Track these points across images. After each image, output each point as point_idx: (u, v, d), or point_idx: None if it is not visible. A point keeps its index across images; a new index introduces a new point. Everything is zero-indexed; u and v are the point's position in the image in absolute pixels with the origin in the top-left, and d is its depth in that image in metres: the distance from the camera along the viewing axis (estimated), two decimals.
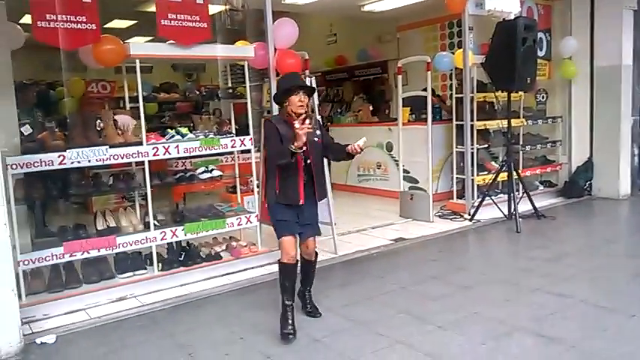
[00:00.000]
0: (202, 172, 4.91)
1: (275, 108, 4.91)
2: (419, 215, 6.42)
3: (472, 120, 6.42)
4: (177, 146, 4.39)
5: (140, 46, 4.50)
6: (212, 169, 4.96)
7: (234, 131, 4.94)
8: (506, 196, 6.27)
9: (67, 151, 3.90)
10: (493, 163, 7.03)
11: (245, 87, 4.93)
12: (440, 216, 6.52)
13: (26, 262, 3.84)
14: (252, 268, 4.66)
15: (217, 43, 4.83)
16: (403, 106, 6.88)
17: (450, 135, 6.89)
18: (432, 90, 6.58)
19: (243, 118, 5.02)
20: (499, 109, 6.65)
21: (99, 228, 4.34)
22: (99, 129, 4.35)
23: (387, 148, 7.85)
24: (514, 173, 6.11)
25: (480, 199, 6.32)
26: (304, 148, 3.18)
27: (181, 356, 3.18)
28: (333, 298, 3.96)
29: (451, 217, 6.47)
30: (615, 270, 4.51)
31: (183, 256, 4.54)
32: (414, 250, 5.34)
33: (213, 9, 5.70)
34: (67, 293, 3.99)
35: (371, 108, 8.70)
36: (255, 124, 4.85)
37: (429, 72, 6.31)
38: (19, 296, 3.58)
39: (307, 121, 3.25)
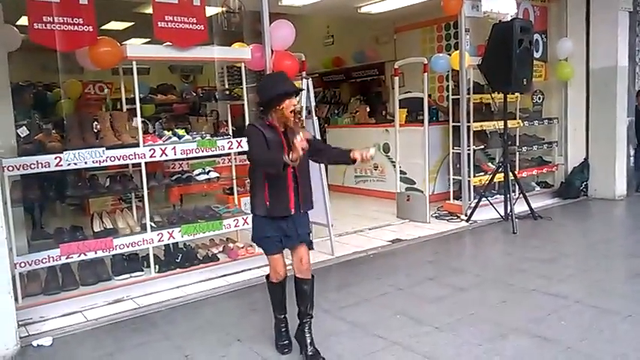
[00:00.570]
0: (199, 174, 4.92)
1: None
2: (416, 216, 6.44)
3: (469, 121, 6.44)
4: (174, 148, 4.39)
5: (137, 48, 4.50)
6: (209, 171, 4.96)
7: (230, 133, 4.94)
8: (503, 197, 6.28)
9: (64, 152, 3.90)
10: (489, 164, 7.06)
11: (242, 88, 4.94)
12: (436, 217, 6.54)
13: (23, 265, 3.83)
14: (249, 269, 4.66)
15: (214, 44, 4.84)
16: (400, 107, 6.89)
17: (447, 136, 6.91)
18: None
19: (240, 120, 5.03)
20: (495, 110, 6.67)
21: (95, 230, 4.34)
22: (96, 130, 4.36)
23: (384, 149, 7.86)
24: (510, 174, 6.13)
25: (476, 200, 6.34)
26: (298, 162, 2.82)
27: (178, 358, 3.18)
28: (330, 299, 3.96)
29: (448, 218, 6.49)
30: (611, 271, 4.53)
31: (180, 258, 4.54)
32: (410, 252, 5.35)
33: (210, 11, 5.71)
34: (63, 295, 3.98)
35: (368, 109, 8.71)
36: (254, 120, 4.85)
37: (426, 74, 6.32)
38: (16, 299, 3.57)
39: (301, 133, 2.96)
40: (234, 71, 6.38)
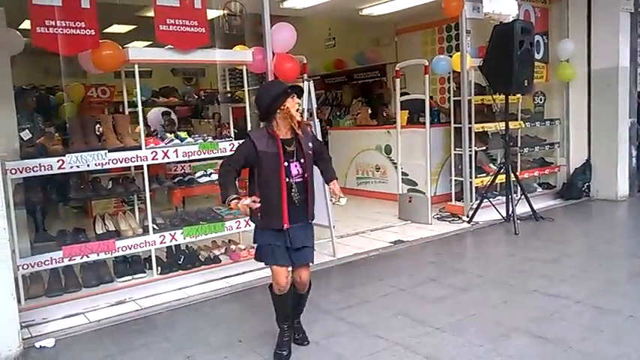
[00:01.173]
0: (201, 176, 4.93)
1: None
2: (417, 218, 6.44)
3: (470, 122, 6.44)
4: (176, 150, 4.41)
5: (139, 52, 4.54)
6: (211, 173, 4.97)
7: (232, 135, 4.96)
8: (505, 198, 6.28)
9: (66, 155, 3.92)
10: (491, 165, 7.06)
11: (244, 91, 4.96)
12: (438, 218, 6.54)
13: (25, 267, 3.85)
14: (251, 271, 4.66)
15: (216, 47, 4.86)
16: (401, 109, 6.90)
17: (449, 137, 6.91)
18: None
19: (242, 122, 5.05)
20: (497, 111, 6.68)
21: (98, 232, 4.36)
22: (98, 133, 4.39)
23: (386, 150, 7.87)
24: (512, 175, 6.13)
25: (478, 202, 6.34)
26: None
27: (180, 359, 3.19)
28: (331, 300, 3.97)
29: (449, 219, 6.49)
30: (613, 271, 4.53)
31: (182, 260, 4.55)
32: (412, 253, 5.35)
33: (212, 14, 5.74)
34: (66, 297, 4.00)
35: (369, 111, 8.72)
36: (254, 128, 4.87)
37: (427, 75, 6.33)
38: (18, 300, 3.59)
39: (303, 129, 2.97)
40: (236, 74, 6.42)
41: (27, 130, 4.13)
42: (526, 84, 5.95)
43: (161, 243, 4.39)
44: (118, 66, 4.36)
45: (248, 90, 4.96)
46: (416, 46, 8.99)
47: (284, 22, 5.08)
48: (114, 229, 4.41)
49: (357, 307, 3.86)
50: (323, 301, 3.89)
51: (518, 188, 6.41)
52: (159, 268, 4.41)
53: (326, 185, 3.28)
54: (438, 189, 7.40)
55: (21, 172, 3.80)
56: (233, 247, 4.90)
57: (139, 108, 4.29)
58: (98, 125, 4.45)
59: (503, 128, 6.21)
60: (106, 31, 8.22)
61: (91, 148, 4.08)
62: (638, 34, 7.29)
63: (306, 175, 2.94)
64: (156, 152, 4.30)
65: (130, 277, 4.29)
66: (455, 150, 6.74)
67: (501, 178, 6.33)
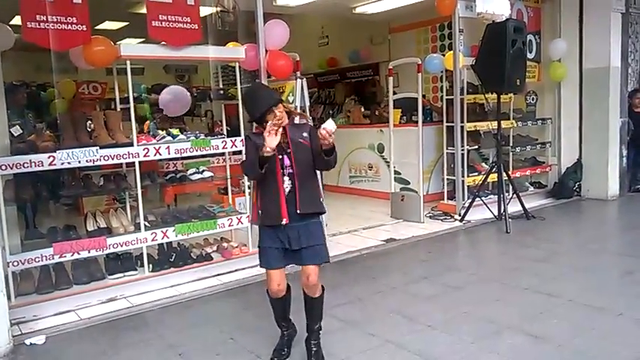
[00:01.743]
0: (193, 173, 4.92)
1: None
2: (410, 216, 6.45)
3: (462, 121, 6.46)
4: (168, 147, 4.39)
5: (131, 47, 4.50)
6: (203, 170, 4.96)
7: (225, 132, 4.95)
8: (496, 197, 6.31)
9: (57, 151, 3.89)
10: (483, 164, 7.09)
11: (236, 88, 4.94)
12: (430, 217, 6.56)
13: (16, 263, 3.82)
14: (243, 268, 4.66)
15: (208, 44, 4.84)
16: (394, 107, 6.91)
17: (441, 136, 6.93)
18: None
19: (235, 120, 5.03)
20: (489, 110, 6.70)
21: (89, 229, 4.34)
22: (89, 130, 4.36)
23: (379, 149, 7.88)
24: (504, 174, 6.16)
25: (470, 200, 6.36)
26: (273, 153, 2.69)
27: (172, 356, 3.18)
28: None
29: (442, 217, 6.51)
30: (603, 269, 4.56)
31: (173, 257, 4.53)
32: (404, 251, 5.36)
33: (205, 11, 5.71)
34: (56, 294, 3.97)
35: (362, 110, 8.73)
36: (246, 126, 4.86)
37: (420, 74, 6.34)
38: (9, 297, 3.57)
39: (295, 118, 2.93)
40: (229, 71, 6.39)
41: (17, 126, 4.10)
42: (518, 83, 5.98)
43: (153, 240, 4.37)
44: (110, 62, 4.33)
45: (241, 87, 4.94)
46: (409, 44, 9.00)
47: (277, 19, 5.07)
48: (105, 226, 4.39)
49: (350, 305, 3.86)
50: None
51: (510, 187, 6.44)
52: (150, 265, 4.39)
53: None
54: (430, 188, 7.42)
55: (11, 168, 3.77)
56: (225, 244, 4.88)
57: (131, 104, 4.26)
58: (89, 122, 4.43)
59: (496, 127, 6.24)
60: (98, 27, 8.17)
61: (82, 145, 4.05)
62: (629, 35, 7.35)
63: (293, 164, 2.83)
64: (148, 149, 4.28)
65: (121, 275, 4.26)
66: (447, 149, 6.76)
67: (493, 177, 6.36)
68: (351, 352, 3.12)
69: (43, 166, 3.85)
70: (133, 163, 4.26)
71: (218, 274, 4.58)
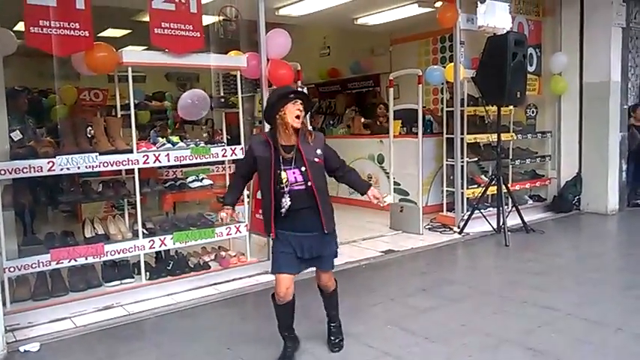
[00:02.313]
0: (192, 181, 4.91)
1: None
2: (409, 228, 6.44)
3: (462, 133, 6.47)
4: (168, 154, 4.39)
5: (133, 54, 4.49)
6: (202, 178, 4.96)
7: (225, 141, 4.95)
8: (496, 209, 6.30)
9: (57, 157, 3.89)
10: (483, 176, 7.08)
11: (237, 97, 4.94)
12: (429, 228, 6.54)
13: (12, 269, 3.81)
14: (241, 278, 4.64)
15: (210, 52, 4.85)
16: (394, 118, 6.92)
17: (441, 148, 6.94)
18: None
19: (235, 129, 5.03)
20: (489, 123, 6.71)
21: (87, 236, 4.32)
22: (90, 136, 4.36)
23: (378, 160, 7.88)
24: (503, 187, 6.15)
25: (469, 213, 6.35)
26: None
27: None
28: (321, 308, 3.93)
29: (440, 229, 6.49)
30: (602, 284, 4.53)
31: (171, 266, 4.51)
32: (403, 263, 5.34)
33: (207, 19, 5.74)
34: (52, 301, 3.94)
35: (363, 120, 8.74)
36: (247, 134, 4.87)
37: (420, 85, 6.36)
38: (4, 303, 3.54)
39: (310, 137, 2.96)
40: (230, 80, 6.41)
41: (17, 131, 4.09)
42: (518, 96, 5.99)
43: (150, 248, 4.35)
44: (112, 68, 4.34)
45: (242, 97, 4.95)
46: (410, 56, 9.03)
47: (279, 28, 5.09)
48: (103, 232, 4.37)
49: (347, 316, 3.81)
50: (312, 309, 3.85)
51: (509, 200, 6.43)
52: (147, 273, 4.37)
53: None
54: (429, 199, 7.41)
55: (10, 173, 3.76)
56: (223, 253, 4.86)
57: (132, 110, 4.26)
58: (90, 128, 4.43)
59: (495, 140, 6.24)
60: (100, 35, 8.19)
61: (82, 150, 4.04)
62: (629, 49, 7.38)
63: (309, 183, 2.86)
64: (147, 156, 4.27)
65: (118, 282, 4.23)
66: (447, 161, 6.76)
67: (493, 189, 6.35)
68: None
69: (42, 171, 3.84)
70: (133, 170, 4.25)
71: (215, 283, 4.56)
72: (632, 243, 6.05)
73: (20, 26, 3.93)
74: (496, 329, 3.54)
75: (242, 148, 4.75)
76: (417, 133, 6.44)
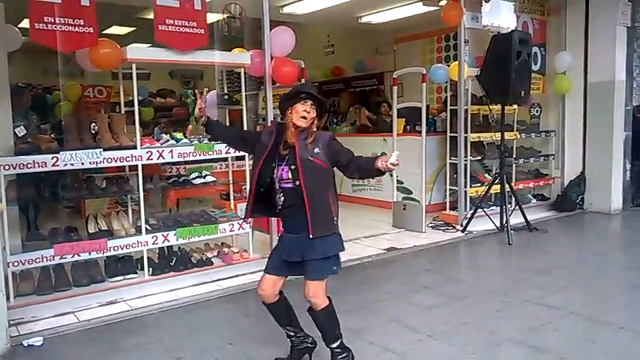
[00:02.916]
0: (196, 177, 4.92)
1: (270, 115, 4.97)
2: (411, 226, 6.43)
3: (466, 132, 6.46)
4: (172, 151, 4.40)
5: (137, 50, 4.50)
6: (205, 175, 4.96)
7: None
8: (499, 208, 6.29)
9: (61, 153, 3.90)
10: (486, 175, 7.07)
11: (241, 95, 4.95)
12: (432, 227, 6.53)
13: (16, 264, 3.82)
14: (244, 274, 4.64)
15: (214, 49, 4.85)
16: (398, 117, 6.91)
17: (444, 146, 6.93)
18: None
19: (239, 126, 5.03)
20: (493, 121, 6.70)
21: (90, 231, 4.33)
22: (93, 132, 4.37)
23: None
24: (507, 186, 6.14)
25: (472, 211, 6.34)
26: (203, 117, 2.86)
27: None
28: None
29: (443, 228, 6.49)
30: (606, 283, 4.53)
31: (174, 261, 4.52)
32: (406, 260, 5.34)
33: (212, 17, 5.75)
34: (56, 296, 3.96)
35: (367, 113, 8.73)
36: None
37: (425, 84, 6.35)
38: (8, 298, 3.56)
39: (310, 136, 2.77)
40: (234, 78, 6.41)
41: (22, 127, 4.10)
42: (522, 95, 5.97)
43: (153, 244, 4.36)
44: (116, 65, 4.34)
45: (246, 94, 4.95)
46: (415, 55, 9.04)
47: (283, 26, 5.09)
48: (106, 228, 4.38)
49: (350, 313, 3.82)
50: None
51: (513, 199, 6.42)
52: (150, 269, 4.38)
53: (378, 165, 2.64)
54: (432, 198, 7.40)
55: (14, 169, 3.77)
56: (226, 250, 4.87)
57: (136, 107, 4.27)
58: (94, 124, 4.44)
59: (499, 139, 6.23)
60: (105, 32, 8.21)
61: (86, 147, 4.06)
62: (634, 49, 7.34)
63: (298, 182, 2.71)
64: (151, 152, 4.29)
65: (121, 278, 4.25)
66: (450, 159, 6.75)
67: (496, 188, 6.34)
68: None
69: (46, 166, 3.86)
70: (136, 166, 4.26)
71: (218, 280, 4.57)
72: (636, 242, 6.03)
73: (25, 23, 3.95)
74: (499, 327, 3.53)
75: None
76: (420, 132, 6.43)
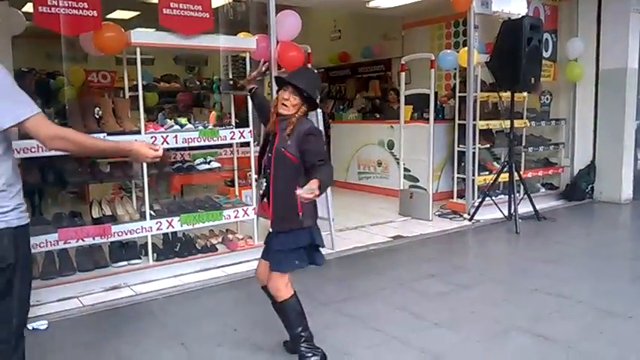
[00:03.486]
0: (200, 163, 4.87)
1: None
2: (418, 214, 6.38)
3: (475, 119, 6.37)
4: (176, 136, 4.35)
5: (141, 34, 4.42)
6: (210, 161, 4.92)
7: (233, 124, 4.90)
8: (507, 196, 6.22)
9: None
10: (494, 163, 6.99)
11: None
12: (439, 215, 6.48)
13: None
14: (248, 261, 4.60)
15: (219, 34, 4.79)
16: (406, 104, 6.83)
17: (452, 134, 6.85)
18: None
19: (244, 111, 4.98)
20: (502, 109, 6.61)
21: (94, 216, 4.31)
22: (97, 117, 4.34)
23: (389, 145, 7.81)
24: (515, 174, 6.07)
25: (480, 200, 6.28)
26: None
27: (174, 346, 3.15)
28: (328, 292, 3.92)
29: (451, 216, 6.43)
30: (614, 272, 4.47)
31: (178, 247, 4.51)
32: (412, 248, 5.30)
33: (217, 1, 5.67)
34: (60, 280, 3.95)
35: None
36: (255, 118, 4.81)
37: (433, 70, 6.25)
38: None
39: (290, 127, 2.62)
40: (239, 63, 6.35)
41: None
42: (533, 82, 5.87)
43: (158, 229, 4.33)
44: (120, 49, 4.30)
45: None
46: (423, 41, 8.91)
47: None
48: (110, 213, 4.36)
49: (355, 300, 3.81)
50: (320, 292, 3.84)
51: (521, 188, 6.35)
52: (155, 254, 4.36)
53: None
54: (439, 186, 7.34)
55: (18, 153, 3.73)
56: (230, 236, 4.84)
57: (140, 92, 4.23)
58: (97, 109, 4.40)
59: (508, 126, 6.14)
60: (109, 16, 8.15)
61: (90, 131, 4.01)
62: None
63: (268, 170, 2.68)
64: (155, 137, 4.24)
65: (125, 263, 4.23)
66: (458, 147, 6.67)
67: (504, 176, 6.27)
68: (355, 347, 3.07)
69: (50, 151, 3.82)
70: None
71: (223, 266, 4.55)
72: None
73: (29, 7, 3.90)
74: (505, 316, 3.49)
75: (250, 131, 4.70)
76: (428, 119, 6.35)
